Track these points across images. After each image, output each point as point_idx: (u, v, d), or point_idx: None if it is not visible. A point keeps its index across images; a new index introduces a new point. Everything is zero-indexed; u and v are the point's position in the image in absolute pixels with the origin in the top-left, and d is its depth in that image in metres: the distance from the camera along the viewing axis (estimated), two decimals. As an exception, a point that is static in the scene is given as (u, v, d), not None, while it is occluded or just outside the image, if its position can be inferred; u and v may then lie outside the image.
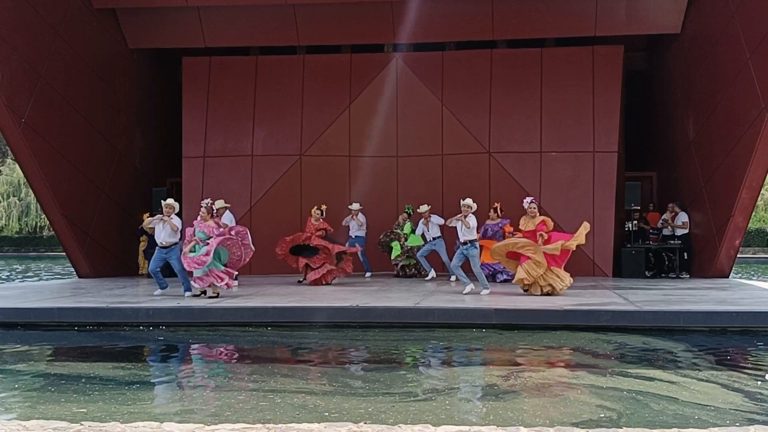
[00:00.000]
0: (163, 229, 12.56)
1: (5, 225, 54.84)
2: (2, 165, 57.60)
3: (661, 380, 6.88)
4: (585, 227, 12.55)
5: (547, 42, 18.00)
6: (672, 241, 16.69)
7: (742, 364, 8.11)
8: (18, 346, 9.49)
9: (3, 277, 24.97)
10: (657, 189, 18.96)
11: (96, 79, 17.08)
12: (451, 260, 14.44)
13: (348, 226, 16.64)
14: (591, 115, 17.23)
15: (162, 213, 12.66)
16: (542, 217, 12.72)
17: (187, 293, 12.51)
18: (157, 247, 12.82)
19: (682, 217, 16.52)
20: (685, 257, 16.47)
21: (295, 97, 18.14)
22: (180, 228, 12.65)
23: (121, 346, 9.52)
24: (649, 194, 18.71)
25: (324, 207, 15.33)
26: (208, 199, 12.72)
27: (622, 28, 17.09)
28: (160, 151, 19.52)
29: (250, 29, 17.85)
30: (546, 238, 12.43)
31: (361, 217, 16.58)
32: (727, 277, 15.55)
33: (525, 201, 12.84)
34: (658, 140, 19.01)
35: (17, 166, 40.10)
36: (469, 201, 12.83)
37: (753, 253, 39.23)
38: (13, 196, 55.03)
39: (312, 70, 18.29)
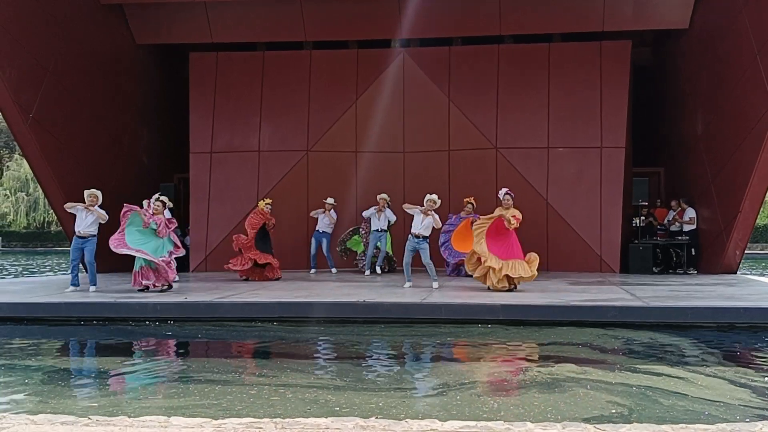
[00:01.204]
0: (85, 218, 12.69)
1: (13, 220, 55.01)
2: (10, 161, 57.75)
3: (669, 376, 6.87)
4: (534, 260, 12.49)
5: (554, 37, 17.98)
6: (679, 237, 16.67)
7: (749, 360, 8.09)
8: (26, 340, 9.51)
9: (11, 272, 25.06)
10: (665, 185, 18.94)
11: (103, 75, 17.12)
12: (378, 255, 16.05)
13: (316, 219, 16.77)
14: (598, 111, 17.21)
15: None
16: (515, 210, 12.68)
17: (92, 287, 12.67)
18: (74, 237, 12.87)
19: (690, 213, 16.50)
20: (693, 253, 16.46)
21: (302, 92, 18.16)
22: (107, 218, 12.77)
23: (129, 341, 9.55)
24: (657, 190, 18.69)
25: (269, 200, 15.55)
26: (158, 194, 13.36)
27: (629, 24, 17.08)
28: (167, 146, 19.56)
29: (257, 25, 17.88)
30: (514, 225, 12.39)
31: (333, 213, 16.71)
32: (735, 273, 15.55)
33: (500, 192, 12.79)
34: (666, 136, 18.96)
35: (24, 161, 40.12)
36: (434, 197, 12.82)
37: (761, 249, 39.15)
38: (21, 191, 55.19)
39: (319, 65, 18.31)
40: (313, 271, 16.83)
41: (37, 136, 14.86)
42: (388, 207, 16.16)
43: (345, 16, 17.54)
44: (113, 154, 17.50)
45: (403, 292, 12.15)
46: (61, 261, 33.80)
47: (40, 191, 37.48)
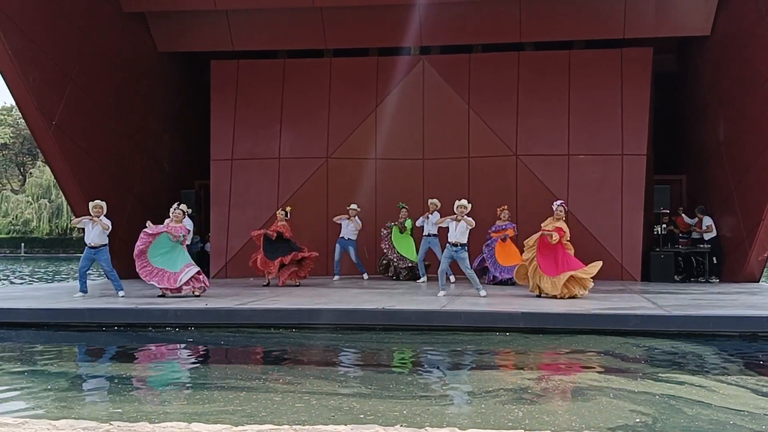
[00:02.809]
0: (93, 229, 12.81)
1: (36, 226, 55.52)
2: (32, 167, 58.30)
3: (692, 385, 6.82)
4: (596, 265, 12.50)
5: (575, 44, 17.92)
6: (701, 245, 16.54)
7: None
8: (48, 346, 9.58)
9: (34, 278, 25.26)
10: (687, 192, 18.80)
11: (125, 82, 17.26)
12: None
13: (339, 225, 16.69)
14: (619, 118, 17.12)
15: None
16: (562, 223, 12.70)
17: (120, 292, 12.81)
18: (85, 248, 13.00)
19: (707, 221, 16.41)
20: (715, 261, 16.33)
21: (322, 99, 18.21)
22: (110, 228, 12.92)
23: (150, 347, 9.60)
24: (679, 197, 18.55)
25: (288, 208, 15.58)
26: (178, 203, 13.51)
27: (651, 31, 16.97)
28: (188, 153, 19.67)
29: (277, 33, 17.96)
30: (555, 239, 12.44)
31: (358, 220, 16.62)
32: (758, 282, 15.39)
33: (554, 204, 12.83)
34: (688, 143, 18.84)
35: (47, 168, 40.38)
36: (464, 202, 12.60)
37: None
38: (43, 198, 55.66)
39: (339, 72, 18.35)
40: (336, 278, 16.75)
41: (59, 143, 15.00)
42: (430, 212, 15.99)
43: (365, 24, 17.57)
44: (135, 161, 17.63)
45: (423, 299, 12.12)
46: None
47: (63, 198, 37.78)
